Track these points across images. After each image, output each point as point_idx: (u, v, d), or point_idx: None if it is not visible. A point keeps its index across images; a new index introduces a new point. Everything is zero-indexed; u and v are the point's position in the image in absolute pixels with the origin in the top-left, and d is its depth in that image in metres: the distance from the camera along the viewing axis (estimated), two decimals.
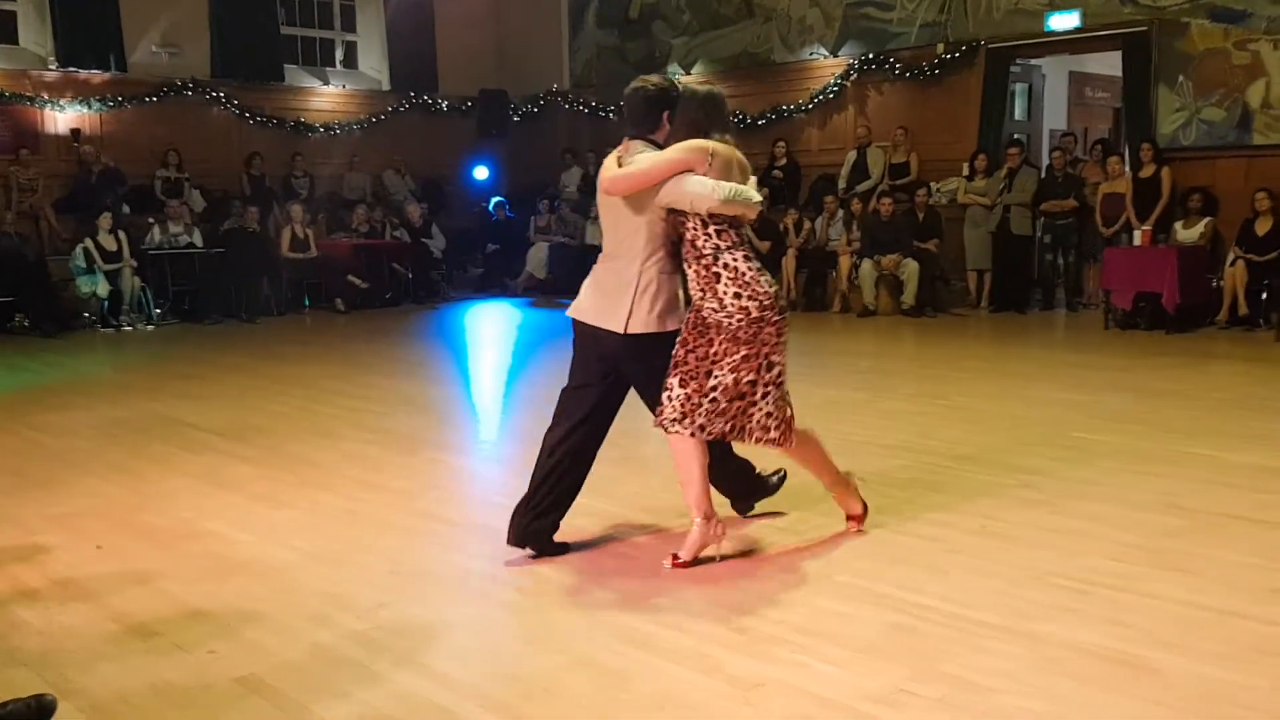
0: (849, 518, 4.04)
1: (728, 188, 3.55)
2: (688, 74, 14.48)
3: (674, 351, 3.69)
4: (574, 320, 3.84)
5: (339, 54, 15.61)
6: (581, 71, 15.89)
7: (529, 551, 3.75)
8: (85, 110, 12.98)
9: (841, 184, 12.54)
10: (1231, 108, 10.28)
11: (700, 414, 3.65)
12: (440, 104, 15.74)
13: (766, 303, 3.64)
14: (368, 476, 4.99)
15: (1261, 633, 3.02)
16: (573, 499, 3.82)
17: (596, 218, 13.81)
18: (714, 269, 3.64)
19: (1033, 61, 12.82)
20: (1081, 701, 2.62)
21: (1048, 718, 2.55)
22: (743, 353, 3.65)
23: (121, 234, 11.42)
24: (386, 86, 15.62)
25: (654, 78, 3.84)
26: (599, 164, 15.31)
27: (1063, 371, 7.87)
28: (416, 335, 10.91)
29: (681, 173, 3.56)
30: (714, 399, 3.65)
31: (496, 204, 14.82)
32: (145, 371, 8.69)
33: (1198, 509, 4.21)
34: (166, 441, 5.77)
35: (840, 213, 12.04)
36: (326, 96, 15.16)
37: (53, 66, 12.85)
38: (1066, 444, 5.36)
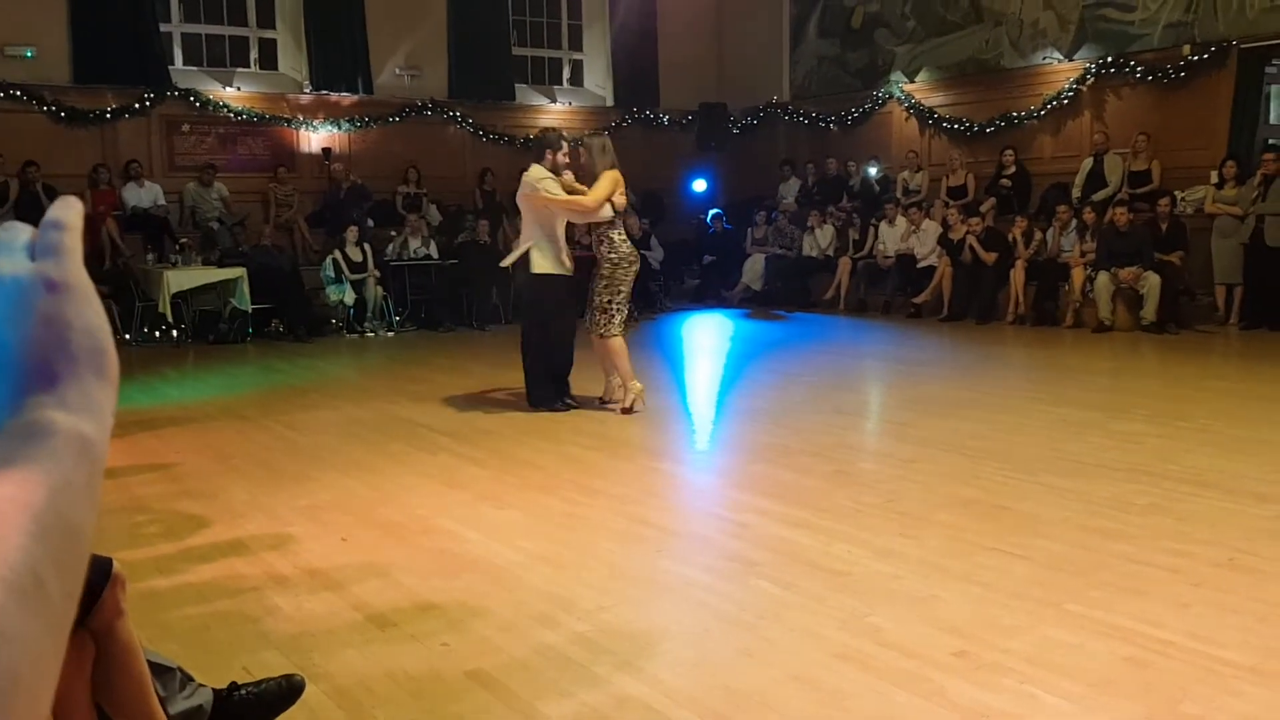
0: (618, 403, 6.84)
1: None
2: (911, 82, 14.17)
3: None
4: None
5: (566, 72, 16.14)
6: (802, 82, 15.81)
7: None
8: (335, 130, 13.96)
9: (1076, 193, 11.95)
10: None
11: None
12: (661, 118, 16.03)
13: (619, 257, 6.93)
14: (587, 481, 5.14)
15: None
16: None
17: (813, 228, 13.88)
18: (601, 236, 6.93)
19: None
20: None
21: None
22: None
23: (367, 246, 12.19)
24: (610, 102, 16.02)
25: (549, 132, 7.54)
26: (818, 175, 15.42)
27: None
28: (635, 345, 11.07)
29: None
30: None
31: (714, 216, 14.93)
32: (385, 375, 9.27)
33: None
34: (403, 441, 6.13)
35: (1074, 222, 11.48)
36: (554, 114, 15.67)
37: (307, 90, 13.87)
38: None
